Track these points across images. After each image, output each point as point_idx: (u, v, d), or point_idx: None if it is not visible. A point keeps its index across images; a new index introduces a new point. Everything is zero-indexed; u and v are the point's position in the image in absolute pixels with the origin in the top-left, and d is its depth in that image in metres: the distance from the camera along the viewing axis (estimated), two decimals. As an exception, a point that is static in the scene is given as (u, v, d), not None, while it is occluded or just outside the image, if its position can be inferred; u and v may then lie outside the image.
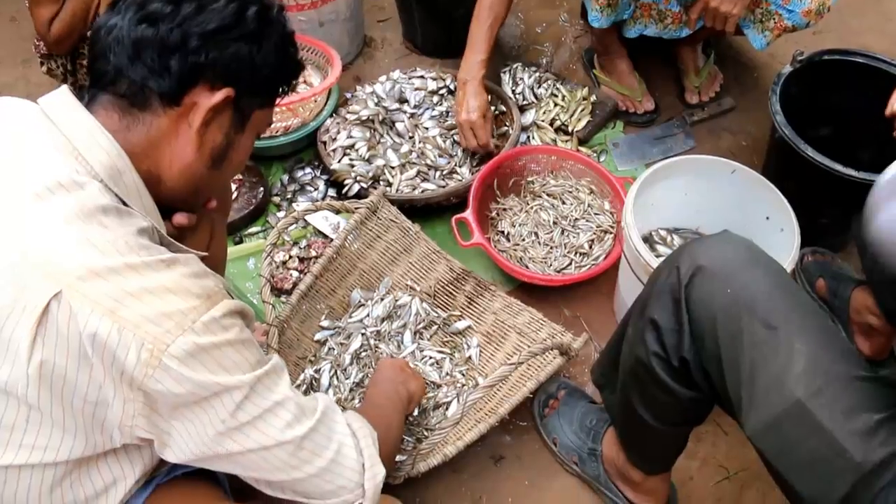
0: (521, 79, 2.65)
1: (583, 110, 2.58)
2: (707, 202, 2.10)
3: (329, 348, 1.99)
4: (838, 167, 1.94)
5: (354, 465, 1.22)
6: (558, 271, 2.16)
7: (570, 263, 2.18)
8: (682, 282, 1.28)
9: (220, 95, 1.16)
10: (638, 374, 1.40)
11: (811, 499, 1.14)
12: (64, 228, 1.02)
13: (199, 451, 1.10)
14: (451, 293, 2.07)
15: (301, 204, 2.38)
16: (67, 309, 0.98)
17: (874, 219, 1.08)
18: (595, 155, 2.53)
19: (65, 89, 1.16)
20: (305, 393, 1.88)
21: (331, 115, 2.51)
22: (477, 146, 2.36)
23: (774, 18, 2.30)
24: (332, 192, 2.43)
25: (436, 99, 2.53)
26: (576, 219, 2.26)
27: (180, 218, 1.27)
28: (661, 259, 1.66)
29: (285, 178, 2.49)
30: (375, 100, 2.52)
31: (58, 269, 0.99)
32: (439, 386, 1.91)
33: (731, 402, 1.24)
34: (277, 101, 1.31)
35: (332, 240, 2.15)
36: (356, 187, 2.31)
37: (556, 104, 2.60)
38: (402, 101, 2.53)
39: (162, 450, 1.12)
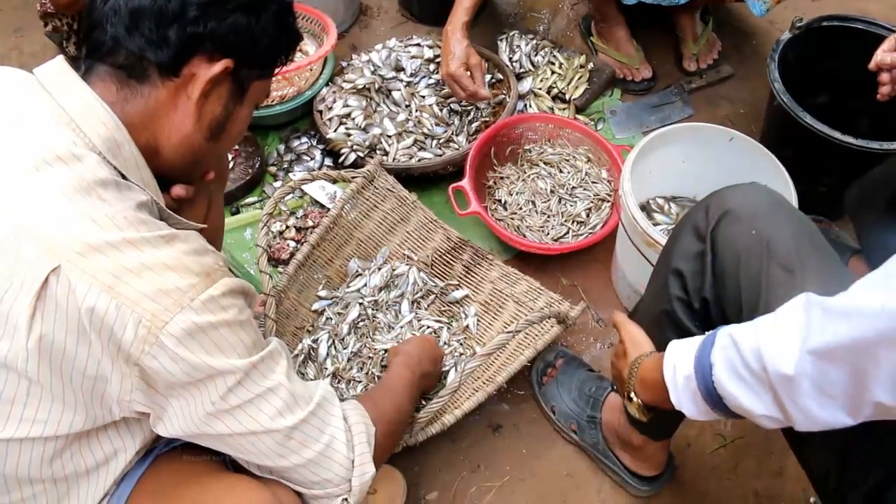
0: (518, 46, 2.62)
1: (580, 78, 2.57)
2: (705, 170, 2.09)
3: (327, 318, 1.99)
4: (836, 135, 1.94)
5: (343, 461, 1.22)
6: (555, 240, 2.16)
7: (568, 232, 2.18)
8: (709, 223, 1.31)
9: (219, 67, 1.14)
10: (660, 323, 1.41)
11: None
12: (62, 202, 1.01)
13: (188, 429, 1.11)
14: (448, 262, 2.07)
15: (297, 173, 2.37)
16: (66, 284, 0.98)
17: None
18: (592, 123, 2.52)
19: (61, 59, 1.15)
20: (303, 363, 1.89)
21: (327, 84, 2.49)
22: (471, 95, 2.31)
23: (774, -16, 2.28)
24: (328, 161, 2.42)
25: (432, 67, 2.51)
26: (573, 187, 2.25)
27: (178, 190, 1.26)
28: (659, 228, 1.67)
29: (281, 147, 2.48)
30: (371, 68, 2.50)
31: (57, 244, 0.99)
32: (437, 355, 1.92)
33: None
34: (277, 72, 1.30)
35: (328, 209, 2.15)
36: (353, 156, 2.30)
37: (553, 72, 2.58)
38: (399, 69, 2.51)
39: (155, 424, 1.12)
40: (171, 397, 1.08)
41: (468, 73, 2.30)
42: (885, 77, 1.64)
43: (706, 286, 1.30)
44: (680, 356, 1.15)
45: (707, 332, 1.13)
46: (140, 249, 1.02)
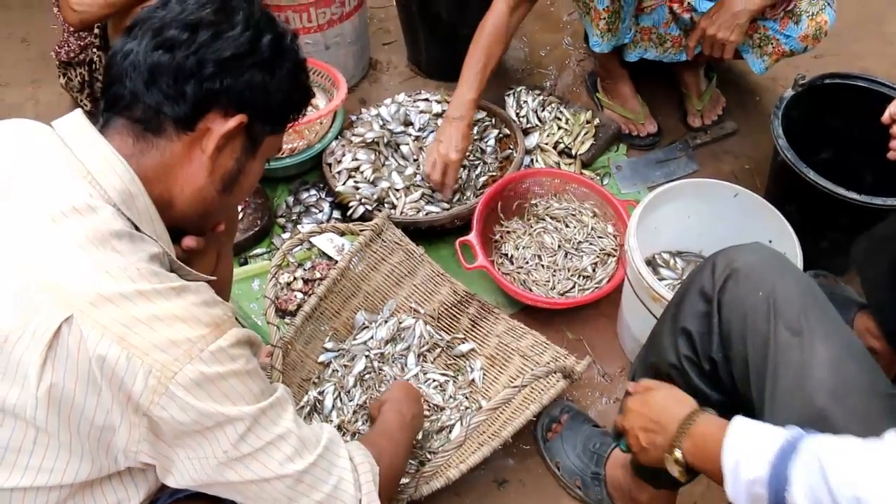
0: (525, 102, 2.67)
1: (586, 133, 2.60)
2: (710, 225, 2.11)
3: (333, 370, 1.99)
4: (840, 190, 1.96)
5: (351, 500, 1.23)
6: (562, 294, 2.17)
7: (574, 286, 2.19)
8: (716, 283, 1.32)
9: (233, 122, 1.17)
10: (669, 381, 1.41)
11: None
12: (77, 253, 1.03)
13: (199, 478, 1.11)
14: (454, 316, 2.08)
15: (306, 226, 2.40)
16: (78, 333, 0.99)
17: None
18: (598, 178, 2.55)
19: (79, 113, 1.18)
20: (309, 415, 1.89)
21: (336, 138, 2.53)
22: (439, 183, 2.32)
23: (772, 43, 2.32)
24: (336, 214, 2.44)
25: (440, 122, 2.54)
26: (579, 242, 2.27)
27: (189, 241, 1.28)
28: (664, 283, 1.68)
29: (290, 199, 2.51)
30: (380, 122, 2.54)
31: (70, 294, 1.00)
32: (442, 409, 1.92)
33: (754, 405, 1.25)
34: (289, 127, 1.32)
35: (336, 262, 2.17)
36: (361, 209, 2.32)
37: (559, 127, 2.62)
38: (407, 123, 2.54)
39: (164, 475, 1.12)
40: (179, 447, 1.08)
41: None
42: None
43: (714, 347, 1.31)
44: (747, 453, 1.05)
45: (786, 435, 1.03)
46: (151, 301, 1.03)
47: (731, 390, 1.32)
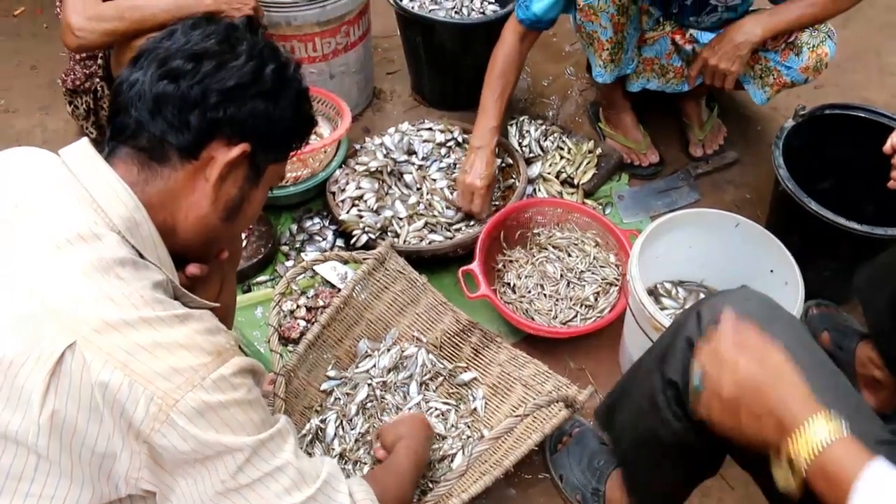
0: (528, 131, 2.68)
1: (588, 163, 2.62)
2: (712, 255, 2.12)
3: (335, 398, 1.99)
4: (841, 220, 1.97)
5: None
6: (564, 323, 2.18)
7: (576, 316, 2.19)
8: (702, 333, 1.30)
9: (236, 151, 1.18)
10: (646, 441, 1.41)
11: None
12: (81, 280, 1.04)
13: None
14: (457, 344, 2.08)
15: (309, 254, 2.41)
16: (81, 360, 1.00)
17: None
18: (600, 207, 2.56)
19: (85, 141, 1.19)
20: (311, 443, 1.89)
21: (340, 166, 2.54)
22: (471, 212, 2.38)
23: (773, 74, 2.34)
24: (340, 242, 2.45)
25: (443, 151, 2.56)
26: (581, 271, 2.27)
27: (193, 269, 1.29)
28: (666, 313, 1.68)
29: (294, 227, 2.52)
30: (384, 151, 2.55)
31: (74, 321, 1.01)
32: (444, 438, 1.91)
33: (751, 455, 1.24)
34: (292, 156, 1.34)
35: (339, 290, 2.17)
36: (364, 238, 2.33)
37: (561, 157, 2.64)
38: (411, 152, 2.56)
39: (163, 503, 1.12)
40: (179, 476, 1.08)
41: (487, 193, 2.37)
42: None
43: None
44: None
45: None
46: (154, 328, 1.04)
47: (720, 441, 1.31)
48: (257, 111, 1.20)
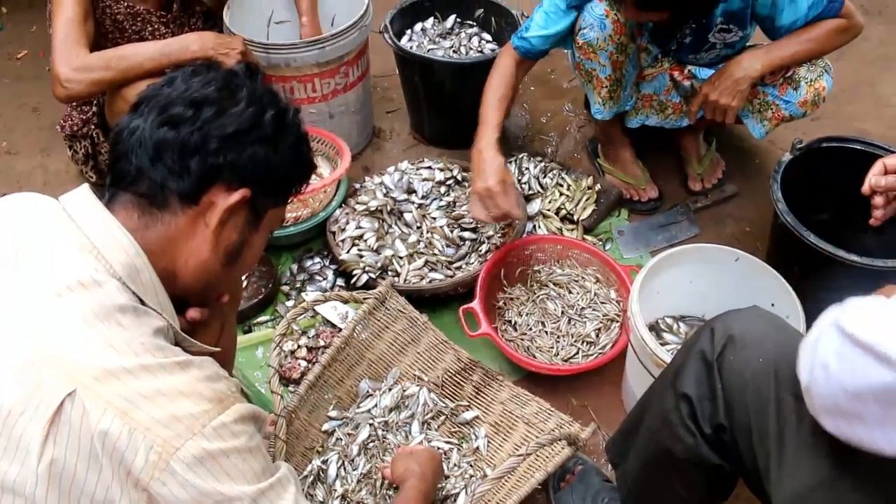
0: (527, 168, 2.69)
1: (588, 199, 2.62)
2: (712, 289, 2.12)
3: (337, 439, 1.98)
4: (841, 253, 1.97)
5: None
6: (565, 361, 2.17)
7: (578, 352, 2.19)
8: (715, 350, 1.32)
9: (237, 196, 1.19)
10: (658, 459, 1.40)
11: None
12: (82, 328, 1.04)
13: None
14: (458, 383, 2.07)
15: (310, 293, 2.41)
16: (81, 408, 0.99)
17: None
18: (600, 243, 2.56)
19: (86, 189, 1.20)
20: (312, 484, 1.88)
21: (340, 206, 2.56)
22: (498, 216, 2.23)
23: (772, 109, 2.36)
24: (340, 281, 2.46)
25: (443, 189, 2.57)
26: (582, 308, 2.27)
27: (193, 313, 1.29)
28: (667, 348, 1.68)
29: (294, 267, 2.53)
30: (384, 190, 2.56)
31: (74, 368, 1.01)
32: (447, 477, 1.90)
33: (759, 472, 1.24)
34: (292, 200, 1.35)
35: (340, 329, 2.17)
36: (365, 277, 2.34)
37: (561, 193, 2.65)
38: (411, 191, 2.57)
39: None
40: None
41: (503, 189, 2.21)
42: (878, 200, 1.63)
43: (720, 413, 1.30)
44: None
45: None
46: (155, 375, 1.04)
47: (733, 456, 1.31)
48: (257, 156, 1.20)
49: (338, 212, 2.53)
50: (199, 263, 1.21)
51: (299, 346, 2.24)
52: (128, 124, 1.19)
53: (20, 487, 1.02)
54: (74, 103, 2.58)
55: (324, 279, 2.46)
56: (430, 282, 2.34)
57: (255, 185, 1.21)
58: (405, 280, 2.34)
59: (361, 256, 2.39)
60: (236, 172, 1.19)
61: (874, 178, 1.60)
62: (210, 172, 1.17)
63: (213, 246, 1.20)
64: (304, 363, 2.19)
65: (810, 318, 1.82)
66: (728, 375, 1.29)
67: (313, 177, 2.60)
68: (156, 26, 2.52)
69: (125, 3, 2.43)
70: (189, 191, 1.16)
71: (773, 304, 1.97)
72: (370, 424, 1.98)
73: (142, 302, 1.14)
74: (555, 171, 2.71)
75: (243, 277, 2.39)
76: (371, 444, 1.95)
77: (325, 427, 2.00)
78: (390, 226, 2.50)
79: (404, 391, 2.04)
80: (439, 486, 1.87)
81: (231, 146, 1.18)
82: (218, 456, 1.04)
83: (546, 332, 2.24)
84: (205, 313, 1.31)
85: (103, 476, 1.01)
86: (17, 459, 1.01)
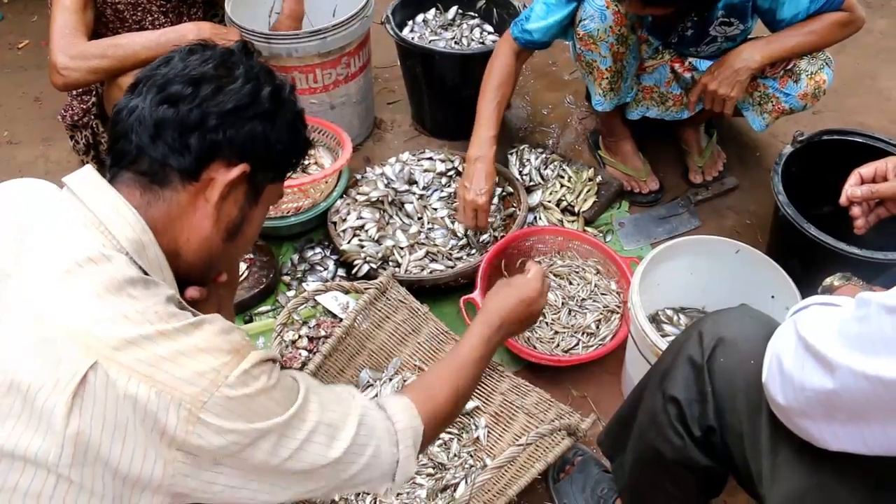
0: (528, 160, 2.70)
1: (589, 191, 2.63)
2: (712, 281, 2.12)
3: (338, 429, 1.99)
4: (842, 245, 1.97)
5: (387, 467, 1.27)
6: (566, 352, 2.18)
7: (578, 343, 2.19)
8: (704, 352, 1.32)
9: (236, 171, 1.20)
10: (648, 459, 1.40)
11: None
12: (95, 301, 1.05)
13: (243, 485, 1.12)
14: (459, 373, 2.08)
15: (311, 284, 2.41)
16: (105, 378, 1.00)
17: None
18: (601, 235, 2.57)
19: (89, 168, 1.20)
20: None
21: (341, 196, 2.56)
22: (475, 227, 2.38)
23: (772, 101, 2.36)
24: (341, 272, 2.46)
25: (444, 180, 2.57)
26: (583, 299, 2.28)
27: (193, 292, 1.30)
28: (667, 339, 1.68)
29: (295, 257, 2.53)
30: (385, 181, 2.57)
31: (92, 341, 1.01)
32: (447, 468, 1.91)
33: (752, 474, 1.24)
34: (289, 176, 1.36)
35: (341, 319, 2.18)
36: (365, 268, 2.34)
37: (562, 185, 2.65)
38: (412, 182, 2.58)
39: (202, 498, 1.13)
40: (220, 470, 1.09)
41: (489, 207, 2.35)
42: (856, 210, 1.62)
43: (709, 415, 1.30)
44: None
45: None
46: (172, 339, 1.05)
47: (724, 457, 1.31)
48: (255, 132, 1.22)
49: (339, 202, 2.54)
50: (201, 240, 1.22)
51: (300, 336, 2.24)
52: (127, 104, 1.21)
53: (42, 459, 1.01)
54: (75, 93, 2.58)
55: (325, 269, 2.47)
56: (430, 272, 2.34)
57: (253, 161, 1.22)
58: (406, 270, 2.34)
59: (362, 247, 2.39)
60: (235, 148, 1.20)
61: (850, 189, 1.59)
62: (210, 149, 1.18)
63: (214, 221, 1.22)
64: (305, 353, 2.19)
65: (810, 311, 1.84)
66: (719, 378, 1.29)
67: (315, 167, 2.64)
68: (156, 15, 2.52)
69: None
70: (189, 167, 1.18)
71: (773, 297, 1.97)
72: (371, 414, 1.98)
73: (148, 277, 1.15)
74: (556, 163, 2.71)
75: (244, 266, 2.40)
76: (371, 434, 1.96)
77: (326, 417, 2.01)
78: (391, 216, 2.50)
79: (405, 381, 2.05)
80: (438, 476, 1.87)
81: (230, 122, 1.19)
82: (244, 400, 1.07)
83: (546, 323, 2.24)
84: (203, 293, 1.32)
85: (134, 443, 1.02)
86: (40, 432, 1.01)
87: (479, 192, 2.31)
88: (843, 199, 1.61)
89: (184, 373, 1.03)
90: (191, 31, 2.27)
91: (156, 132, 1.17)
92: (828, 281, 1.47)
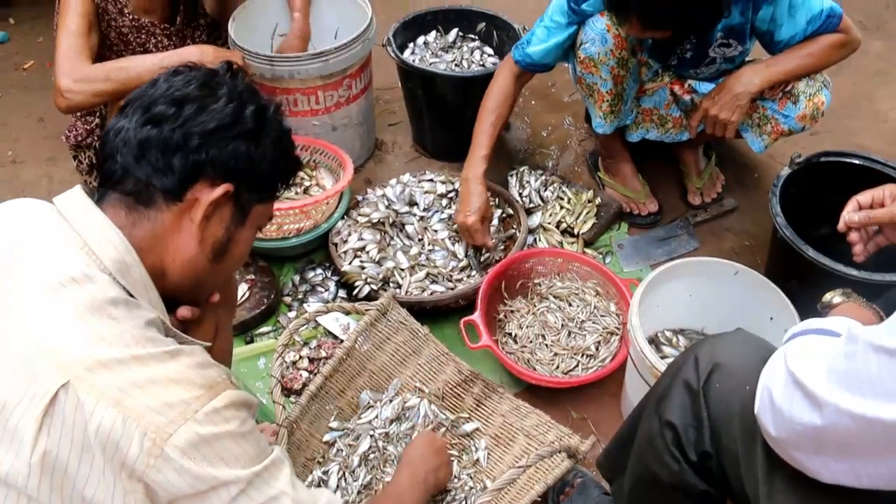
0: (528, 182, 2.71)
1: (588, 212, 2.64)
2: (711, 303, 2.13)
3: (337, 450, 1.99)
4: (840, 267, 1.98)
5: None
6: (565, 373, 2.18)
7: (577, 365, 2.20)
8: (700, 377, 1.32)
9: (219, 190, 1.21)
10: (646, 482, 1.41)
11: None
12: (74, 321, 1.06)
13: None
14: (459, 395, 2.08)
15: (312, 305, 2.42)
16: (75, 399, 1.01)
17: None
18: (600, 256, 2.58)
19: (78, 189, 1.22)
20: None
21: (342, 218, 2.57)
22: (476, 245, 2.42)
23: (771, 123, 2.38)
24: (342, 293, 2.47)
25: (445, 202, 2.59)
26: (582, 321, 2.29)
27: (184, 311, 1.31)
28: (667, 361, 1.69)
29: (297, 278, 2.54)
30: (386, 203, 2.58)
31: (67, 361, 1.02)
32: (447, 490, 1.91)
33: (748, 500, 1.24)
34: (278, 196, 1.36)
35: (342, 341, 2.18)
36: (366, 289, 2.35)
37: (561, 207, 2.66)
38: (412, 203, 2.59)
39: None
40: None
41: (483, 225, 2.40)
42: (854, 236, 1.63)
43: (705, 440, 1.31)
44: None
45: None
46: (146, 365, 1.05)
47: (721, 482, 1.32)
48: (239, 152, 1.22)
49: (340, 223, 2.55)
50: (186, 260, 1.23)
51: (301, 357, 2.25)
52: (114, 125, 1.22)
53: (13, 479, 1.02)
54: (79, 114, 2.60)
55: (326, 290, 2.48)
56: (431, 294, 2.35)
57: (238, 181, 1.23)
58: (406, 292, 2.35)
59: (363, 268, 2.40)
60: (219, 168, 1.21)
61: (847, 215, 1.61)
62: (193, 169, 1.19)
63: (198, 241, 1.22)
64: (305, 374, 2.20)
65: (809, 333, 1.84)
66: (715, 403, 1.29)
67: (316, 188, 2.65)
68: (159, 38, 2.55)
69: (130, 17, 2.46)
70: (173, 187, 1.19)
71: (771, 318, 1.98)
72: (371, 436, 1.98)
73: (132, 297, 1.15)
74: (555, 185, 2.73)
75: (245, 287, 2.41)
76: (372, 456, 1.96)
77: (326, 438, 2.01)
78: (392, 238, 2.52)
79: (405, 403, 2.05)
80: (438, 497, 1.87)
81: (213, 142, 1.20)
82: (211, 440, 1.06)
83: (546, 345, 2.25)
84: (195, 312, 1.33)
85: (95, 467, 1.02)
86: (11, 451, 1.02)
87: (468, 212, 2.37)
88: (840, 226, 1.63)
89: (153, 402, 1.03)
90: (194, 54, 2.29)
91: (140, 153, 1.18)
92: (827, 297, 1.48)
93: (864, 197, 1.59)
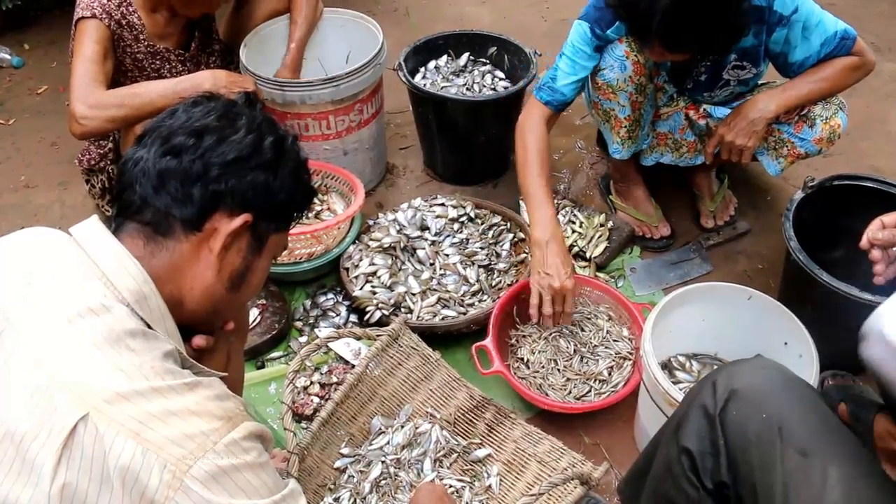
0: (540, 205, 2.70)
1: (600, 236, 2.63)
2: (725, 328, 2.12)
3: (349, 476, 1.98)
4: (854, 291, 1.96)
5: None
6: (578, 398, 2.17)
7: (590, 390, 2.19)
8: (717, 404, 1.31)
9: (238, 221, 1.21)
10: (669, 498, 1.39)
11: None
12: (93, 353, 1.05)
13: None
14: (471, 421, 2.07)
15: (323, 330, 2.42)
16: (94, 431, 1.00)
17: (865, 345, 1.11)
18: (613, 280, 2.57)
19: (95, 219, 1.22)
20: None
21: (353, 242, 2.57)
22: (556, 315, 2.19)
23: (787, 146, 2.37)
24: (353, 318, 2.46)
25: (456, 226, 2.58)
26: (594, 346, 2.27)
27: (199, 340, 1.31)
28: (680, 387, 1.68)
29: (308, 303, 2.54)
30: (397, 227, 2.58)
31: (86, 393, 1.02)
32: (460, 515, 1.90)
33: None
34: (293, 225, 1.37)
35: (353, 366, 2.18)
36: (378, 314, 2.35)
37: (573, 230, 2.66)
38: (424, 228, 2.59)
39: None
40: None
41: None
42: (876, 254, 1.60)
43: (722, 469, 1.30)
44: None
45: None
46: (166, 397, 1.05)
47: None
48: (257, 182, 1.23)
49: (351, 248, 2.55)
50: (204, 289, 1.23)
51: (312, 383, 2.24)
52: (132, 155, 1.23)
53: None
54: (92, 138, 2.62)
55: (337, 315, 2.47)
56: (442, 319, 2.34)
57: (256, 211, 1.23)
58: (418, 317, 2.34)
59: (374, 293, 2.40)
60: (238, 198, 1.21)
61: (871, 232, 1.59)
62: (212, 199, 1.20)
63: (217, 271, 1.23)
64: (316, 399, 2.19)
65: (823, 356, 1.83)
66: (731, 431, 1.28)
67: (327, 213, 2.66)
68: (174, 64, 2.57)
69: (145, 43, 2.48)
70: (192, 217, 1.19)
71: (786, 343, 1.97)
72: (382, 462, 1.98)
73: (149, 327, 1.15)
74: (567, 208, 2.72)
75: (257, 312, 2.41)
76: (383, 482, 1.95)
77: (338, 464, 2.00)
78: (403, 262, 2.51)
79: (417, 428, 2.04)
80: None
81: (232, 173, 1.21)
82: (231, 472, 1.06)
83: (558, 370, 2.24)
84: (210, 341, 1.33)
85: (115, 499, 1.02)
86: (31, 483, 1.02)
87: (563, 276, 2.14)
88: (863, 242, 1.60)
89: (172, 433, 1.03)
90: (207, 79, 2.31)
91: (159, 183, 1.19)
92: None
93: (890, 218, 1.58)
